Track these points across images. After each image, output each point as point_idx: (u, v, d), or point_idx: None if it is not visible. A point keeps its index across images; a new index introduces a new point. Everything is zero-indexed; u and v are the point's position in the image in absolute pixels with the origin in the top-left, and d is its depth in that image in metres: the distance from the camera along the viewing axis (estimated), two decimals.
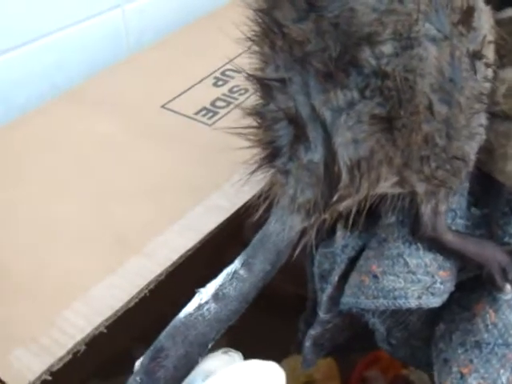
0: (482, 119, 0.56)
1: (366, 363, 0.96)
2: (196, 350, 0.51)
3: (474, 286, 0.66)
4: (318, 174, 0.53)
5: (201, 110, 0.84)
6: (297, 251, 0.56)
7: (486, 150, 0.59)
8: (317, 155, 0.52)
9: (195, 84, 0.89)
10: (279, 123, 0.54)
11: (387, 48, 0.50)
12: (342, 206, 0.56)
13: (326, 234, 0.71)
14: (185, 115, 0.84)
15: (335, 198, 0.54)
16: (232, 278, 0.52)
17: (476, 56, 0.54)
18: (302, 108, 0.52)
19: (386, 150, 0.52)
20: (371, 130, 0.51)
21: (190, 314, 0.51)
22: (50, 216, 0.71)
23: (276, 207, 0.55)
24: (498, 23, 0.58)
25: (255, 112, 0.57)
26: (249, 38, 0.57)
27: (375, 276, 0.63)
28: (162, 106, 0.86)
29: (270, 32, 0.55)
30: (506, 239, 0.64)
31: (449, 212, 0.63)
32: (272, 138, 0.55)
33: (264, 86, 0.55)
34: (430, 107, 0.52)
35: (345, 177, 0.53)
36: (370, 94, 0.51)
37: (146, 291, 0.62)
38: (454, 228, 0.63)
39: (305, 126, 0.52)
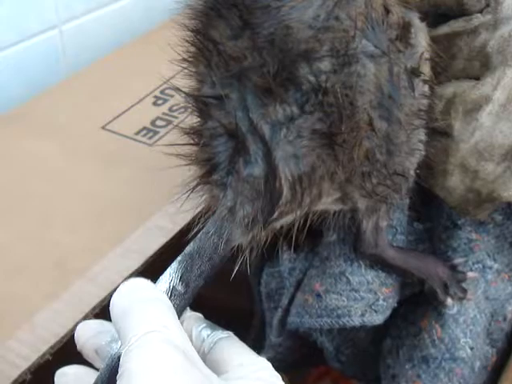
0: (422, 135, 0.57)
1: (318, 375, 0.96)
2: None
3: (419, 301, 0.66)
4: (259, 188, 0.51)
5: (141, 130, 0.84)
6: (235, 268, 0.55)
7: (426, 166, 0.60)
8: (257, 169, 0.51)
9: (135, 104, 0.89)
10: (217, 139, 0.53)
11: (325, 65, 0.50)
12: (282, 223, 0.55)
13: (271, 254, 0.70)
14: (125, 136, 0.83)
15: (276, 214, 0.53)
16: (171, 295, 0.47)
17: (414, 73, 0.54)
18: (241, 122, 0.51)
19: (328, 165, 0.52)
20: (312, 145, 0.51)
21: None
22: None
23: (213, 218, 0.52)
24: (434, 40, 0.58)
25: (193, 131, 0.56)
26: (184, 60, 0.56)
27: (318, 295, 0.63)
28: (103, 127, 0.84)
29: (205, 51, 0.54)
30: (449, 253, 0.65)
31: (389, 228, 0.63)
32: (210, 154, 0.53)
33: (201, 103, 0.54)
34: (370, 123, 0.52)
35: (286, 192, 0.52)
36: (309, 109, 0.50)
37: (91, 316, 0.61)
38: (394, 244, 0.63)
39: (244, 139, 0.51)
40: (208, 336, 0.46)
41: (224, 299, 0.81)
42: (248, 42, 0.51)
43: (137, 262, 0.65)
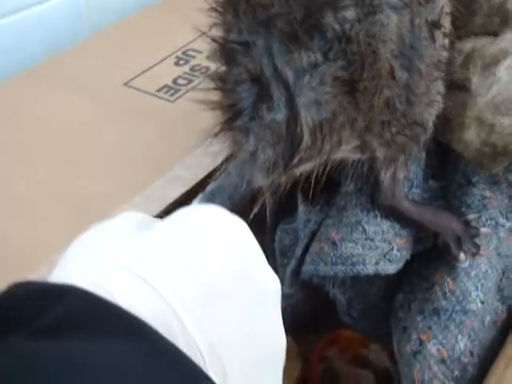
0: (440, 87, 0.58)
1: (326, 343, 0.97)
2: None
3: (432, 256, 0.67)
4: (280, 133, 0.53)
5: (163, 88, 0.85)
6: (254, 210, 0.57)
7: (444, 119, 0.61)
8: (280, 115, 0.53)
9: (157, 63, 0.90)
10: (242, 85, 0.54)
11: (350, 14, 0.51)
12: (302, 169, 0.57)
13: (286, 210, 0.72)
14: (147, 92, 0.84)
15: (296, 160, 0.54)
16: None
17: (434, 25, 0.56)
18: (266, 68, 0.53)
19: (348, 112, 0.53)
20: (334, 91, 0.52)
21: None
22: (12, 189, 0.71)
23: (235, 161, 0.55)
24: None
25: (218, 77, 0.57)
26: (213, 9, 0.58)
27: (334, 243, 0.64)
28: (125, 84, 0.86)
29: None
30: (463, 209, 0.66)
31: (406, 181, 0.65)
32: (234, 100, 0.55)
33: (227, 50, 0.56)
34: (391, 72, 0.53)
35: (307, 138, 0.53)
36: (333, 57, 0.52)
37: None
38: (410, 197, 0.65)
39: (268, 85, 0.53)
40: None
41: None
42: None
43: (157, 208, 0.67)
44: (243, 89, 0.54)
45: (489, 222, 0.66)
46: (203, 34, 0.58)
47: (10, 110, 0.83)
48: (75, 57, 0.92)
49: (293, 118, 0.53)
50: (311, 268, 0.66)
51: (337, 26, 0.51)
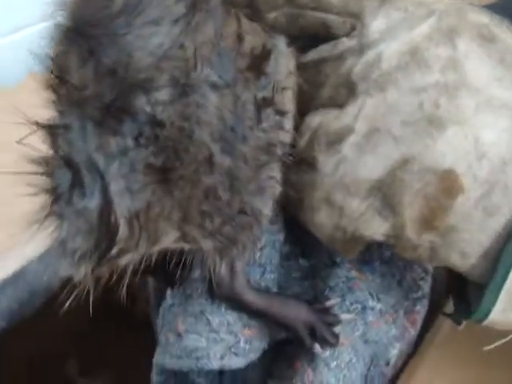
0: (273, 171, 0.52)
1: None
2: None
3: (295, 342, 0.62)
4: (93, 222, 0.49)
5: None
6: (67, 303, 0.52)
7: (296, 200, 0.56)
8: (93, 202, 0.48)
9: None
10: (60, 170, 0.50)
11: (162, 94, 0.47)
12: (124, 261, 0.52)
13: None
14: None
15: (115, 251, 0.49)
16: None
17: (265, 103, 0.51)
18: (78, 153, 0.48)
19: (163, 202, 0.49)
20: (146, 180, 0.48)
21: None
22: None
23: (47, 248, 0.51)
24: (303, 67, 0.54)
25: (41, 160, 0.53)
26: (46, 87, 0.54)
27: (179, 334, 0.59)
28: None
29: (56, 79, 0.51)
30: (327, 292, 0.61)
31: (257, 267, 0.60)
32: (54, 184, 0.50)
33: (50, 132, 0.52)
34: (209, 158, 0.48)
35: (123, 228, 0.48)
36: (144, 143, 0.47)
37: None
38: (263, 284, 0.60)
39: (80, 171, 0.48)
40: None
41: None
42: (91, 71, 0.48)
43: None
44: (61, 173, 0.50)
45: (354, 305, 0.61)
46: None
47: None
48: None
49: (106, 206, 0.48)
50: (160, 360, 0.60)
51: (148, 109, 0.47)
